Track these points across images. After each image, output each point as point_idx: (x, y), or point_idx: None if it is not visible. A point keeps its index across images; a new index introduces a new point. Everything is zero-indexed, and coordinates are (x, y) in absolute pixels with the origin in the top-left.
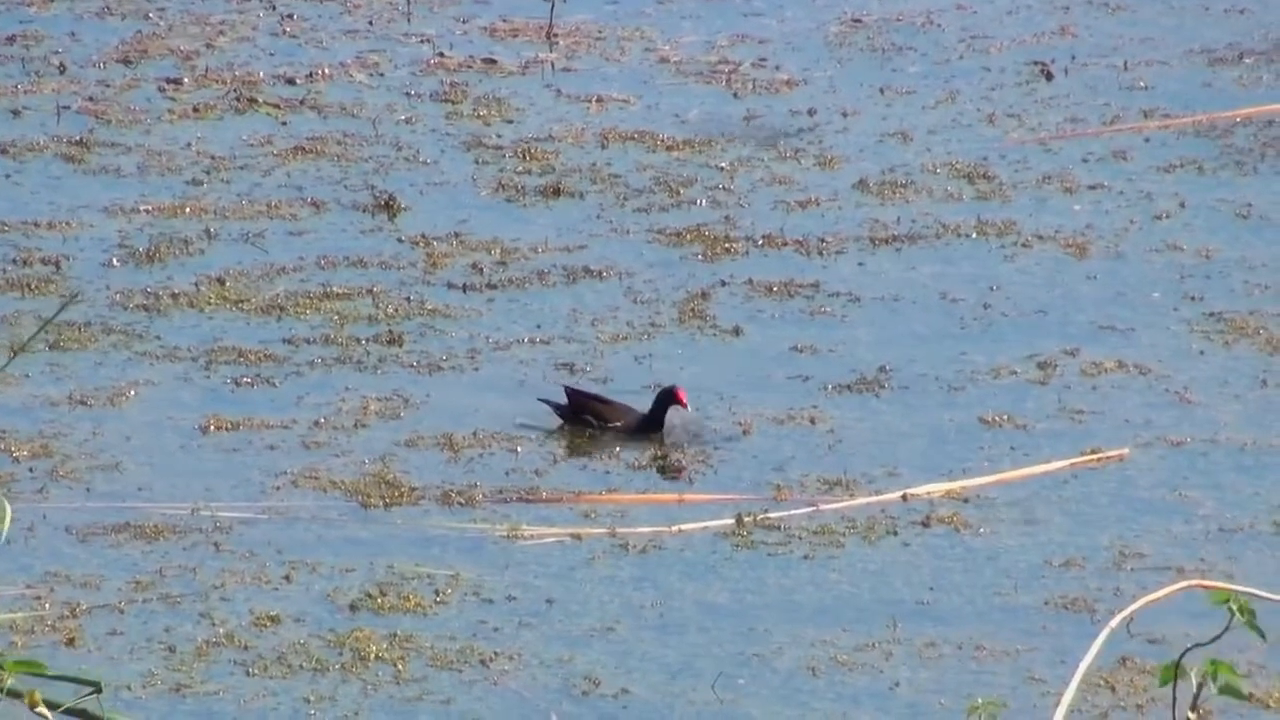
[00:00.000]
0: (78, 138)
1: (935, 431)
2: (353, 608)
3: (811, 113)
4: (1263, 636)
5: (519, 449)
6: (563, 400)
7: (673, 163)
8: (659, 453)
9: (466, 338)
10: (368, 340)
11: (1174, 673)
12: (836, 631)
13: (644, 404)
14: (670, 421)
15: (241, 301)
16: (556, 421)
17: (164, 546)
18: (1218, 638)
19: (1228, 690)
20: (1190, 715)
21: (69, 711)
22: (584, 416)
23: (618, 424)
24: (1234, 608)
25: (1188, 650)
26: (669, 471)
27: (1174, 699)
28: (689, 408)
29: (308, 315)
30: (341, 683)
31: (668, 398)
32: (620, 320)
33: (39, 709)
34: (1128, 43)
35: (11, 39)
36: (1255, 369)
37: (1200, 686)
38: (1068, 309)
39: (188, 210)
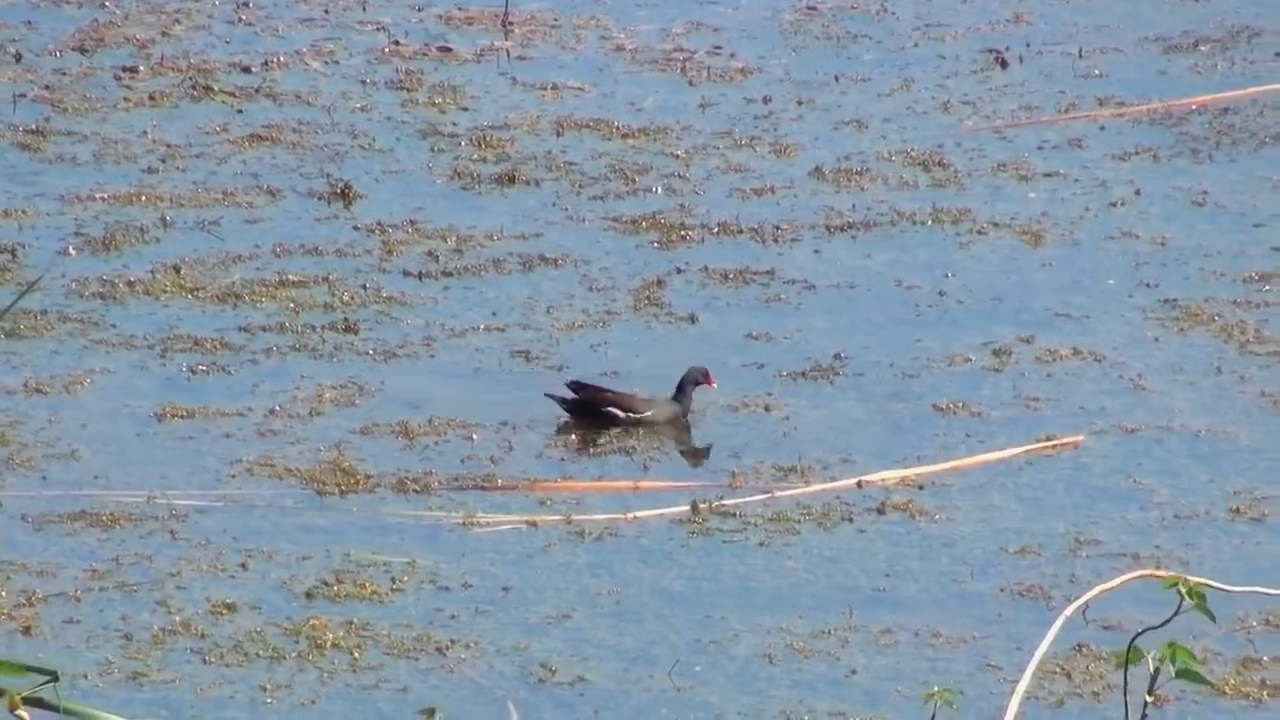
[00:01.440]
0: (34, 126)
1: (890, 419)
2: (309, 595)
3: (767, 101)
4: (1212, 618)
5: (475, 436)
6: (568, 396)
7: (628, 150)
8: (613, 439)
9: (422, 325)
10: (323, 328)
11: (1127, 657)
12: (793, 619)
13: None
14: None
15: (197, 289)
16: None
17: (120, 534)
18: (1168, 621)
19: (1186, 674)
20: (1148, 698)
21: (26, 700)
22: (606, 410)
23: (647, 414)
24: (1183, 590)
25: (1139, 634)
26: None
27: (1125, 684)
28: (715, 386)
29: (263, 303)
30: (298, 671)
31: (695, 378)
32: (576, 308)
33: (18, 711)
34: (1083, 30)
35: None
36: (1210, 356)
37: (1157, 671)
38: (1023, 296)
39: (143, 198)
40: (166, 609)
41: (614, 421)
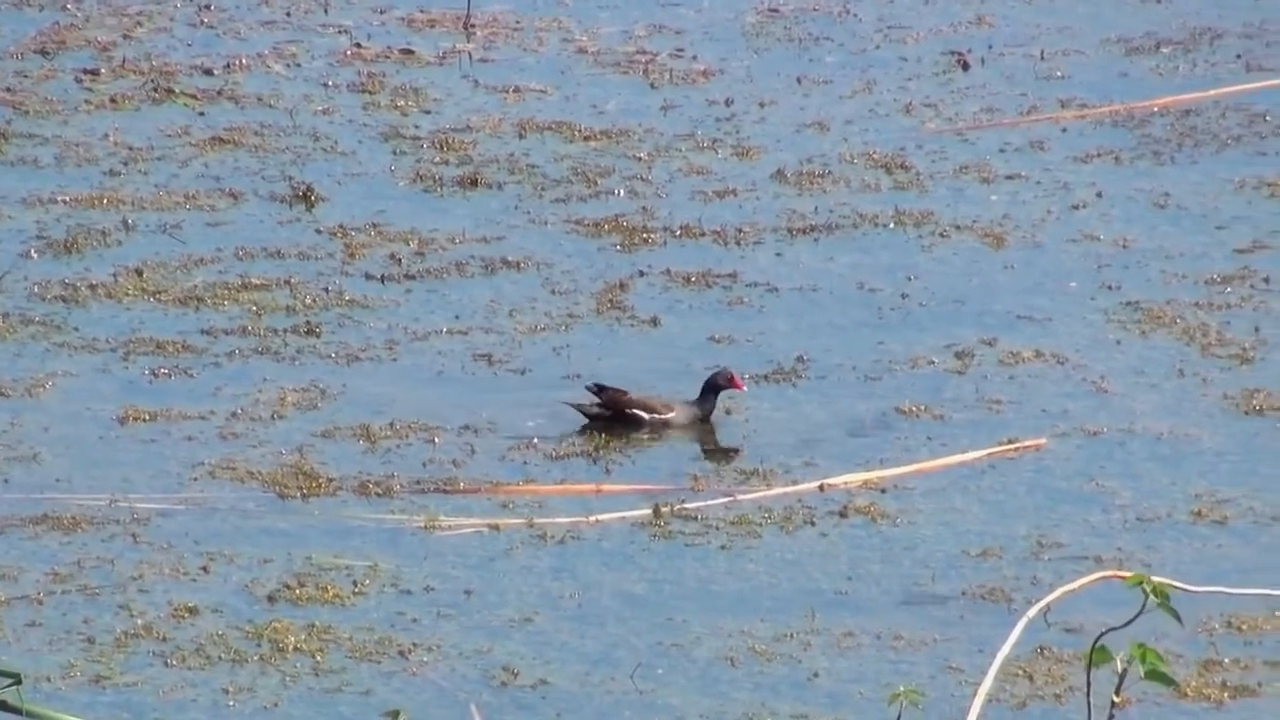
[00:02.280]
0: None
1: (852, 421)
2: (271, 599)
3: (729, 103)
4: (1178, 619)
5: (437, 439)
6: (587, 400)
7: (590, 153)
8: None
9: (384, 328)
10: (285, 331)
11: (1090, 658)
12: (755, 621)
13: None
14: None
15: (159, 292)
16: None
17: (82, 538)
18: (1131, 621)
19: (1155, 675)
20: (1115, 699)
21: None
22: (630, 413)
23: (670, 416)
24: (1148, 590)
25: (1104, 633)
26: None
27: (1088, 684)
28: (744, 389)
29: (225, 306)
30: (260, 674)
31: (721, 383)
32: (538, 311)
33: None
34: (1045, 32)
35: None
36: (1172, 358)
37: (1125, 671)
38: (985, 299)
39: (105, 201)
40: (128, 612)
41: (638, 424)
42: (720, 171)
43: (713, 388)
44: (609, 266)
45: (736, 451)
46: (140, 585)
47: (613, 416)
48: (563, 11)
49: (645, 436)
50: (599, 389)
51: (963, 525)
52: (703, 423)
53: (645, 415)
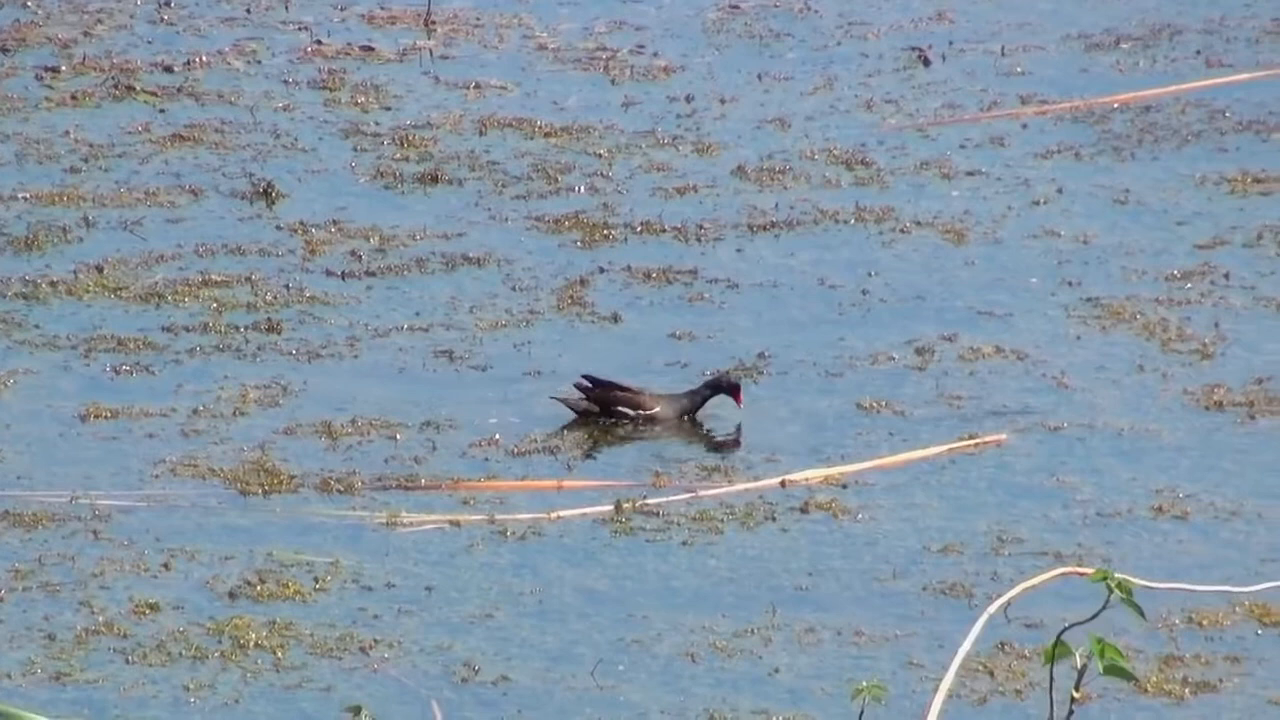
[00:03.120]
0: None
1: (813, 418)
2: (232, 595)
3: (689, 99)
4: (1141, 614)
5: (398, 436)
6: (574, 395)
7: (551, 150)
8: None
9: (345, 325)
10: (246, 328)
11: (1053, 652)
12: (716, 617)
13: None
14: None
15: (120, 289)
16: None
17: (43, 535)
18: (1095, 616)
19: (1113, 670)
20: (1075, 694)
21: None
22: (617, 409)
23: (656, 410)
24: (1112, 585)
25: (1065, 629)
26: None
27: (1051, 680)
28: (741, 407)
29: (186, 303)
30: (221, 670)
31: (724, 387)
32: (499, 307)
33: None
34: (1005, 28)
35: None
36: (1132, 354)
37: (1085, 666)
38: (946, 295)
39: (66, 198)
40: (89, 609)
41: (625, 417)
42: (681, 168)
43: (714, 387)
44: (570, 263)
45: (698, 448)
46: (101, 582)
47: (600, 411)
48: (523, 8)
49: (624, 430)
50: (591, 383)
51: (924, 521)
52: (688, 418)
53: (631, 411)
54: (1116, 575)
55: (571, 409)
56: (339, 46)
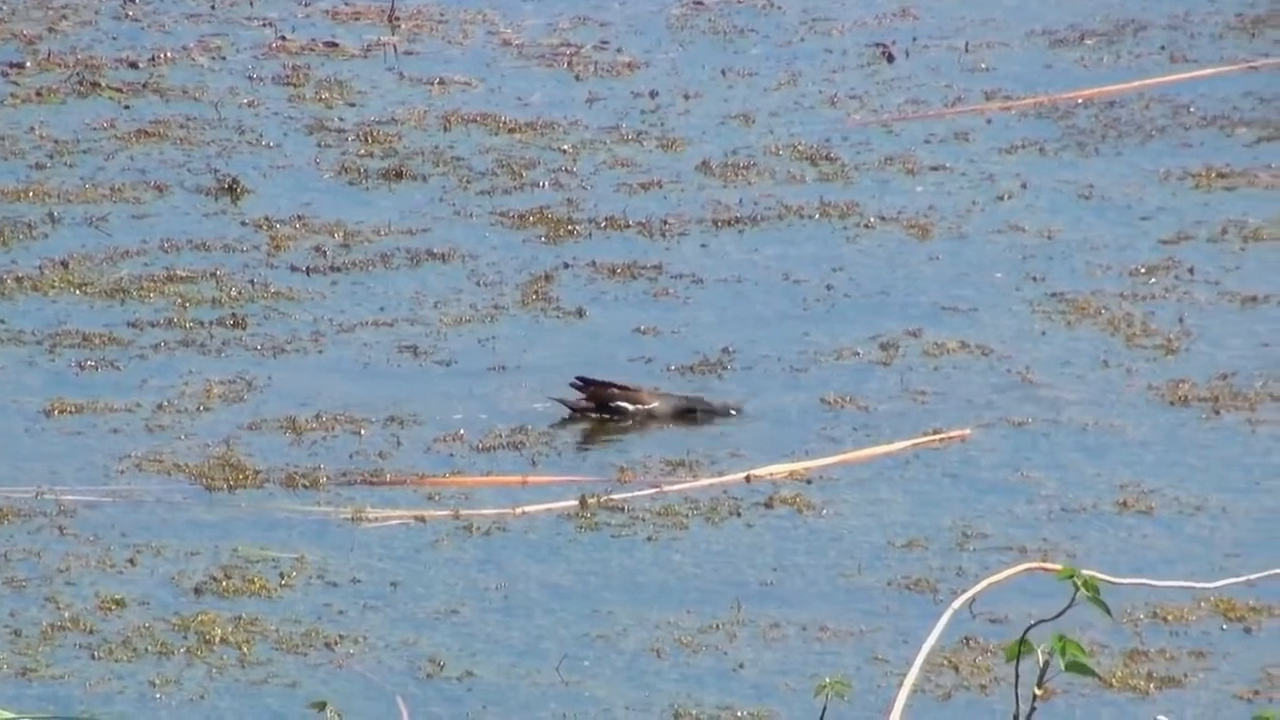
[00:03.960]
0: None
1: (778, 413)
2: (197, 591)
3: (653, 95)
4: (1107, 612)
5: (363, 431)
6: (572, 396)
7: (515, 145)
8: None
9: (310, 320)
10: (211, 323)
11: (1017, 649)
12: (680, 613)
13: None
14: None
15: (85, 285)
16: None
17: (8, 530)
18: (1061, 614)
19: (1075, 667)
20: (1037, 691)
21: None
22: (614, 405)
23: (654, 406)
24: (1078, 583)
25: (1031, 626)
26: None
27: (1016, 677)
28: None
29: (151, 298)
30: (187, 666)
31: (719, 412)
32: (464, 303)
33: None
34: (969, 24)
35: None
36: (1097, 349)
37: (1047, 663)
38: (910, 290)
39: (31, 194)
40: (55, 605)
41: (622, 415)
42: (645, 163)
43: (706, 406)
44: (534, 258)
45: (663, 443)
46: (67, 578)
47: (598, 409)
48: (487, 4)
49: (626, 426)
50: (585, 383)
51: (888, 516)
52: (689, 416)
53: (630, 407)
54: (1083, 573)
55: (571, 408)
56: (303, 42)
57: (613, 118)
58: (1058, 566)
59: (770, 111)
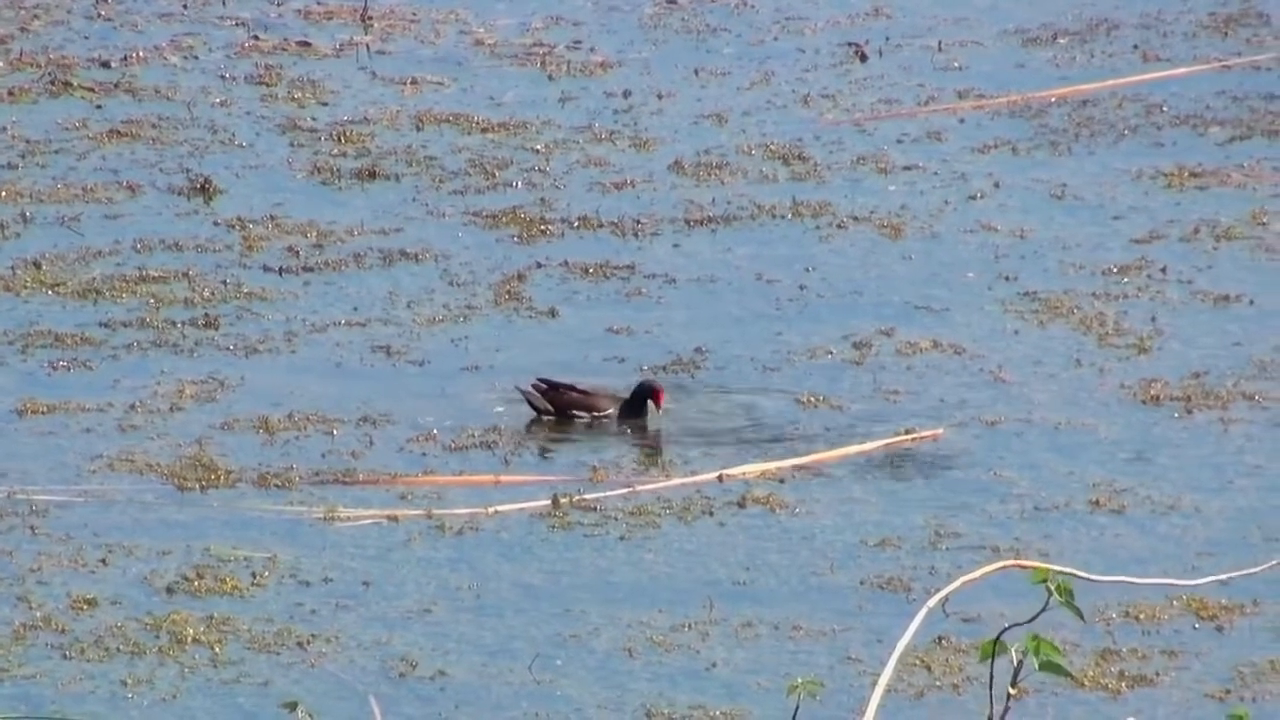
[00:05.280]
0: None
1: (751, 412)
2: (170, 590)
3: (626, 95)
4: (1080, 616)
5: (335, 431)
6: (534, 397)
7: (488, 145)
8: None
9: (283, 320)
10: (184, 323)
11: (993, 649)
12: (653, 612)
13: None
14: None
15: (57, 285)
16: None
17: None
18: (1035, 618)
19: (1049, 667)
20: (1011, 691)
21: None
22: (571, 413)
23: (610, 412)
24: (1052, 588)
25: (1006, 629)
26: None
27: (991, 677)
28: (660, 411)
29: (124, 298)
30: (159, 665)
31: (646, 394)
32: (437, 302)
33: None
34: (942, 23)
35: None
36: (1069, 348)
37: (1020, 663)
38: (883, 289)
39: (3, 194)
40: (27, 604)
41: (579, 419)
42: (618, 163)
43: (640, 396)
44: (507, 258)
45: (635, 443)
46: (39, 577)
47: (557, 412)
48: (460, 3)
49: (565, 426)
50: (547, 386)
51: (861, 515)
52: (635, 420)
53: (586, 415)
54: (1056, 569)
55: (533, 406)
56: (276, 42)
57: (585, 117)
58: (1035, 563)
59: (743, 111)
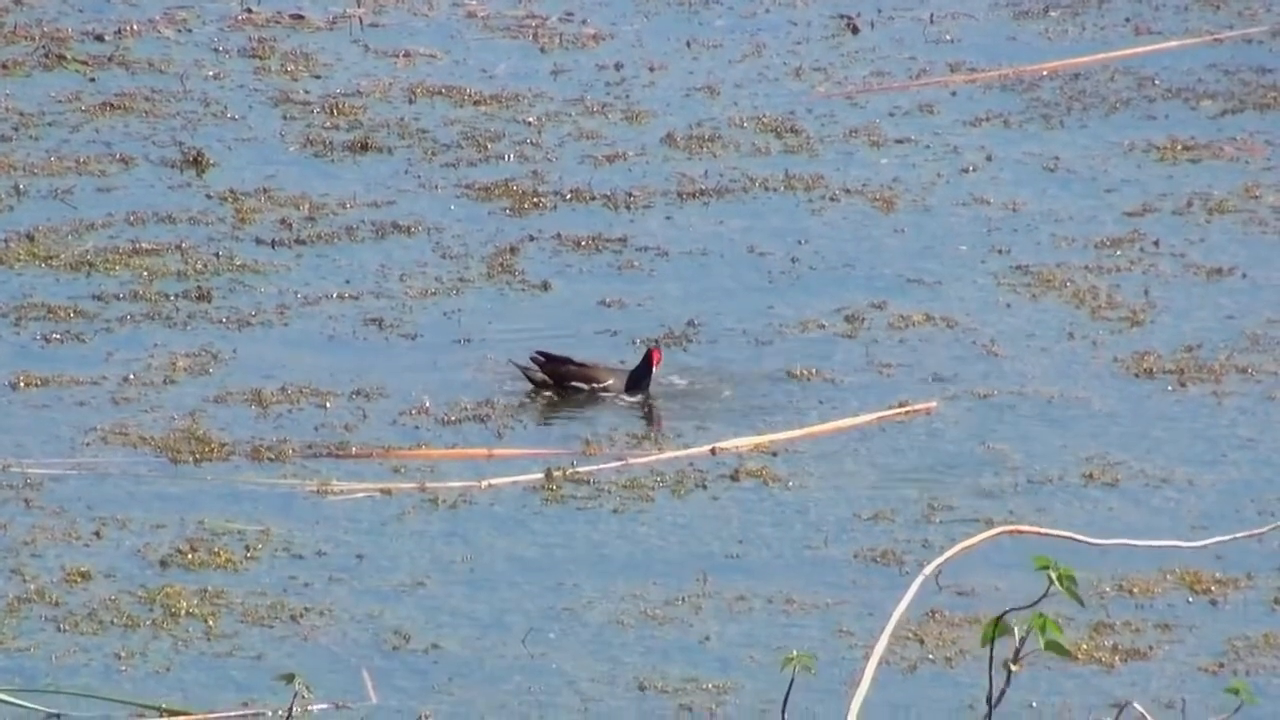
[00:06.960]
0: None
1: (744, 385)
2: (163, 563)
3: (619, 67)
4: (1080, 602)
5: (328, 404)
6: (533, 369)
7: (480, 117)
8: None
9: (275, 293)
10: (177, 296)
11: (993, 631)
12: (646, 585)
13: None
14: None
15: (51, 258)
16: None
17: None
18: (1036, 603)
19: (1052, 646)
20: (1013, 666)
21: None
22: (571, 384)
23: (609, 383)
24: (1053, 575)
25: (1005, 612)
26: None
27: (990, 658)
28: (657, 368)
29: (117, 271)
30: (152, 638)
31: (648, 359)
32: (429, 275)
33: None
34: None
35: None
36: (1062, 321)
37: (1024, 640)
38: (875, 262)
39: None
40: (21, 577)
41: (579, 391)
42: (610, 136)
43: (647, 363)
44: (499, 231)
45: (629, 416)
46: (32, 550)
47: (556, 384)
48: None
49: (561, 399)
50: (545, 358)
51: (854, 489)
52: (641, 392)
53: (585, 385)
54: (1063, 535)
55: (529, 379)
56: (269, 15)
57: (578, 90)
58: (1032, 529)
59: (735, 83)
